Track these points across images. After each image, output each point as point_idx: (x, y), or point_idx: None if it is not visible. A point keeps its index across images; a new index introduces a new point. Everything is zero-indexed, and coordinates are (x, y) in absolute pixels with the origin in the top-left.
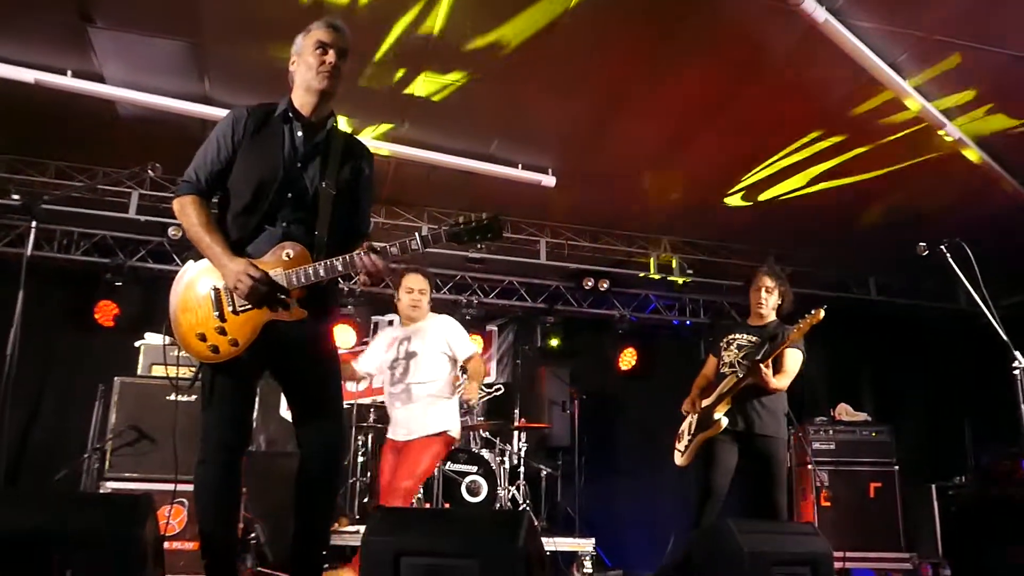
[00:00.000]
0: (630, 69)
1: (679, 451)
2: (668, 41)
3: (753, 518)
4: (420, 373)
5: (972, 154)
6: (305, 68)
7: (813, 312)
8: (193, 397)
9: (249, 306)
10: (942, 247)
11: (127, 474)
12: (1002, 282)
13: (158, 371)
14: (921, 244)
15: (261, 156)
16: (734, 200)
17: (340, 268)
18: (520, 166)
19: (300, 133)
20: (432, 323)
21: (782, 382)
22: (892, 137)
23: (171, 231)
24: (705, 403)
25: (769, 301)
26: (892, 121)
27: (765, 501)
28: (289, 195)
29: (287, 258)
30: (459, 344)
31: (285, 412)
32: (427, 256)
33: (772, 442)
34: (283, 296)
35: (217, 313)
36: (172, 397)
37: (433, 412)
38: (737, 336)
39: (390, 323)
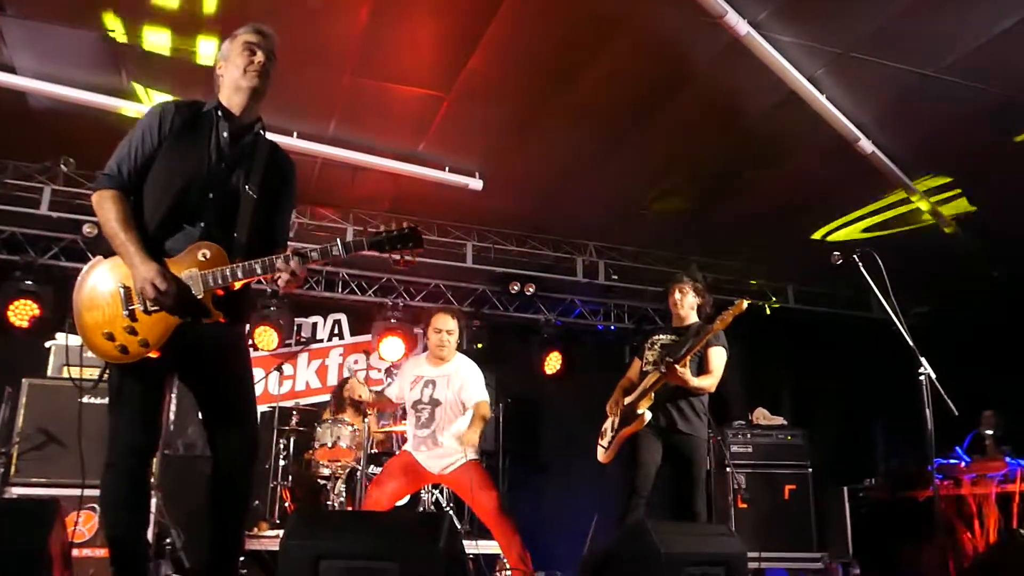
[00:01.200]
0: (555, 76)
1: (602, 447)
2: (594, 49)
3: (672, 517)
4: (445, 423)
5: (884, 168)
6: (233, 69)
7: (736, 303)
8: (104, 399)
9: (158, 308)
10: (854, 256)
11: (34, 479)
12: (912, 292)
13: (69, 372)
14: (835, 253)
15: (185, 153)
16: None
17: (259, 271)
18: (447, 169)
19: (226, 134)
20: (456, 368)
21: (707, 382)
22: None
23: (86, 228)
24: (627, 400)
25: (684, 302)
26: (810, 133)
27: (683, 501)
28: (211, 195)
29: (203, 259)
30: (470, 390)
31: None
32: (353, 257)
33: (692, 440)
34: (194, 303)
35: (127, 312)
36: (86, 400)
37: (461, 448)
38: (660, 337)
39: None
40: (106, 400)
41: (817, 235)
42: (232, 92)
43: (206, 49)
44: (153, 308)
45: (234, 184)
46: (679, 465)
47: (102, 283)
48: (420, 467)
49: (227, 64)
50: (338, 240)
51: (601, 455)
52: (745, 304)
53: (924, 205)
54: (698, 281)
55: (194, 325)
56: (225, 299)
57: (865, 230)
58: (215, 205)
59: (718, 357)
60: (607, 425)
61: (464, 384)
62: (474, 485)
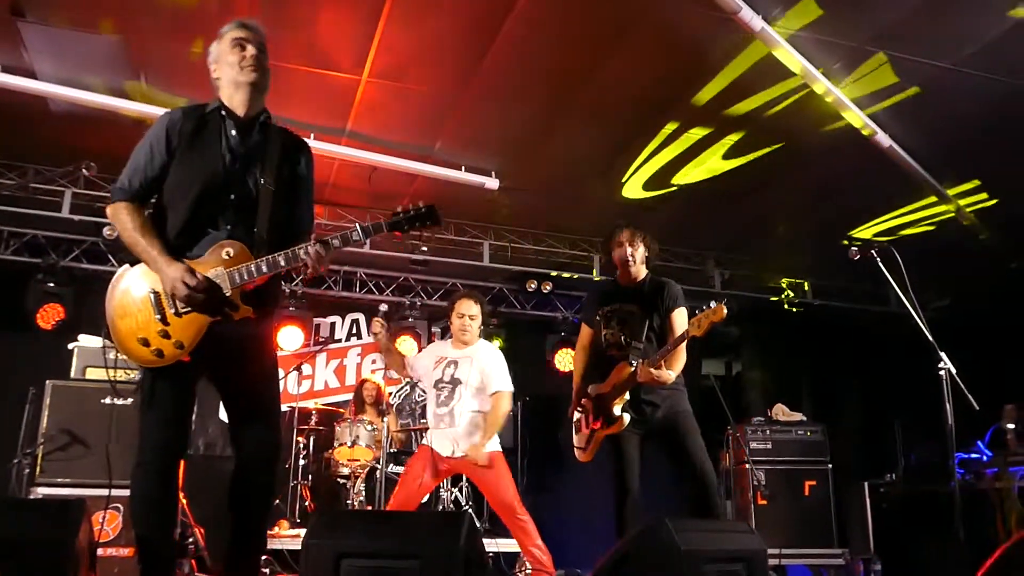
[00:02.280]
0: (573, 75)
1: (579, 448)
2: (609, 47)
3: (687, 494)
4: (463, 402)
5: (904, 161)
6: (228, 67)
7: (714, 307)
8: (129, 401)
9: (189, 308)
10: (872, 251)
11: (59, 479)
12: (931, 286)
13: (92, 374)
14: (853, 248)
15: (199, 161)
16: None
17: (283, 263)
18: (463, 168)
19: (234, 132)
20: (479, 352)
21: (677, 368)
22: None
23: (106, 231)
24: (595, 391)
25: (637, 255)
26: (827, 127)
27: (689, 470)
28: (232, 197)
29: (227, 257)
30: (493, 377)
31: (224, 415)
32: (372, 258)
33: (675, 417)
34: (223, 300)
35: (159, 316)
36: (107, 401)
37: (477, 435)
38: (614, 306)
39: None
40: (130, 401)
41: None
42: (232, 91)
43: None
44: (184, 310)
45: (251, 181)
46: (669, 440)
47: (132, 290)
48: (437, 456)
49: (220, 65)
50: (357, 225)
51: (580, 455)
52: (724, 311)
53: (947, 205)
54: (637, 229)
55: (225, 323)
56: (253, 295)
57: (890, 230)
58: (236, 206)
59: (682, 319)
60: (579, 419)
61: (487, 369)
62: (490, 476)
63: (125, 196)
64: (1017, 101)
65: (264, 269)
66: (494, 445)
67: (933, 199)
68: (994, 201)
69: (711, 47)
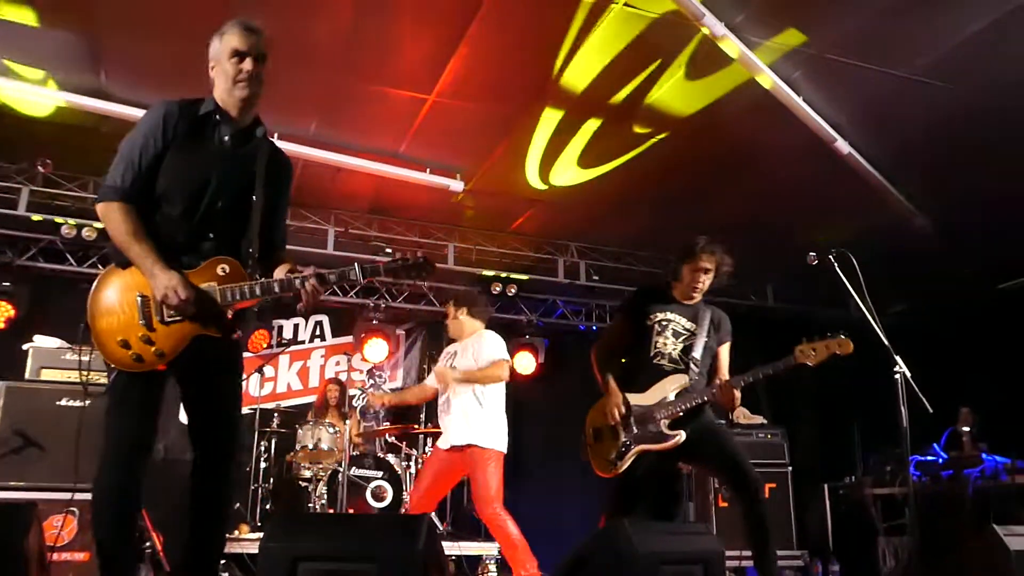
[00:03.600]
0: (536, 77)
1: (608, 461)
2: (571, 49)
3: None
4: (457, 390)
5: (861, 169)
6: (224, 77)
7: (840, 340)
8: (87, 403)
9: (179, 317)
10: (830, 256)
11: (12, 483)
12: (888, 291)
13: (47, 375)
14: (811, 253)
15: (193, 160)
16: None
17: (278, 291)
18: (428, 170)
19: (228, 138)
20: (472, 340)
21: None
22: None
23: (64, 229)
24: (641, 401)
25: (707, 283)
26: (787, 134)
27: (733, 471)
28: (220, 204)
29: (222, 273)
30: (484, 352)
31: (185, 418)
32: (336, 259)
33: (711, 425)
34: (216, 314)
35: (144, 322)
36: (63, 402)
37: (464, 423)
38: (671, 316)
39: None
40: (87, 403)
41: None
42: (226, 96)
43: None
44: (171, 319)
45: (242, 191)
46: (706, 442)
47: (118, 291)
48: (440, 452)
49: (218, 67)
50: (356, 265)
51: (607, 469)
52: (852, 347)
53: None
54: (723, 257)
55: (207, 336)
56: (236, 314)
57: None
58: (225, 213)
59: (727, 352)
60: (614, 431)
61: (478, 351)
62: (477, 472)
63: (117, 196)
64: (969, 111)
65: (258, 292)
66: (490, 442)
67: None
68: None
69: (673, 49)
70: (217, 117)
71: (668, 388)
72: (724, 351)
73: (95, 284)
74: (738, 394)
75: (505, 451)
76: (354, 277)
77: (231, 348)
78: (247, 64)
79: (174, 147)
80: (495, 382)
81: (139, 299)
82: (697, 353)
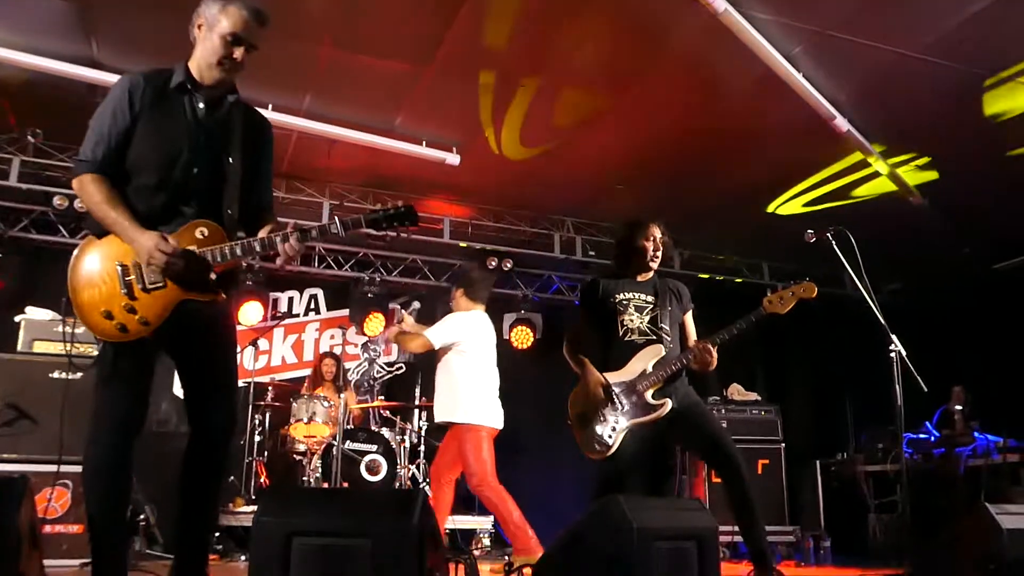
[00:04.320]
0: (532, 50)
1: (600, 443)
2: (571, 24)
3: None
4: (438, 364)
5: (861, 147)
6: (210, 50)
7: (804, 284)
8: (79, 375)
9: (161, 284)
10: (828, 234)
11: (5, 455)
12: (884, 270)
13: (40, 347)
14: (809, 231)
15: (163, 130)
16: None
17: (259, 249)
18: (424, 143)
19: (202, 104)
20: None
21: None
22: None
23: (56, 200)
24: (622, 378)
25: (659, 254)
26: (786, 111)
27: (715, 451)
28: (195, 171)
29: (201, 236)
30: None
31: (178, 390)
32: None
33: (693, 404)
34: (203, 271)
35: (125, 291)
36: (56, 375)
37: (443, 399)
38: (629, 295)
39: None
40: (80, 376)
41: (771, 207)
42: (204, 67)
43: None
44: (152, 285)
45: (217, 157)
46: (690, 420)
47: (98, 261)
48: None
49: (206, 33)
50: (336, 219)
51: (600, 450)
52: (816, 289)
53: (883, 168)
54: (667, 231)
55: (192, 302)
56: (221, 275)
57: (818, 199)
58: (201, 179)
59: (691, 320)
60: (600, 413)
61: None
62: (463, 447)
63: (90, 168)
64: (971, 90)
65: (239, 252)
66: (473, 418)
67: (860, 157)
68: (934, 175)
69: (673, 28)
70: (189, 87)
71: (645, 359)
72: (689, 320)
73: (73, 256)
74: (714, 353)
75: (494, 426)
76: (335, 231)
77: (220, 314)
78: (238, 53)
79: (143, 118)
80: (407, 350)
81: (119, 268)
82: (666, 324)
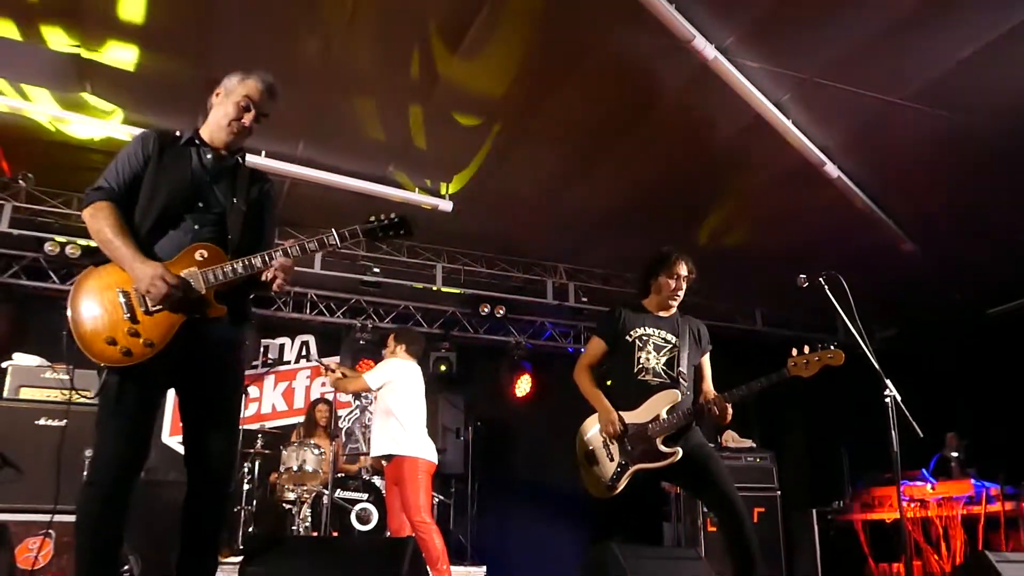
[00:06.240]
0: (526, 99)
1: (605, 483)
2: (564, 71)
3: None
4: (375, 400)
5: (850, 193)
6: (223, 114)
7: (832, 350)
8: (63, 422)
9: (163, 307)
10: (820, 279)
11: None
12: (877, 316)
13: (26, 394)
14: (801, 276)
15: (171, 171)
16: None
17: (259, 264)
18: (417, 190)
19: (209, 156)
20: None
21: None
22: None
23: (48, 246)
24: (633, 419)
25: (681, 292)
26: (777, 157)
27: (719, 499)
28: (200, 204)
29: (201, 258)
30: None
31: (167, 439)
32: (322, 279)
33: (701, 448)
34: (198, 299)
35: (128, 315)
36: (42, 422)
37: (379, 436)
38: (650, 331)
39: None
40: (64, 423)
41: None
42: (215, 129)
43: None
44: (155, 308)
45: (221, 195)
46: (699, 472)
47: (99, 291)
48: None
49: (223, 100)
50: (333, 230)
51: (603, 490)
52: (843, 357)
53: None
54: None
55: (198, 324)
56: (227, 300)
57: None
58: (204, 212)
59: (708, 361)
60: (598, 447)
61: None
62: (401, 483)
63: (103, 196)
64: (959, 137)
65: (239, 269)
66: (403, 450)
67: None
68: None
69: (665, 76)
70: (196, 142)
71: (660, 404)
72: (707, 361)
73: (73, 289)
74: (730, 408)
75: (432, 460)
76: (333, 242)
77: (228, 335)
78: (247, 118)
79: (153, 163)
80: (347, 392)
81: (120, 294)
82: (684, 367)
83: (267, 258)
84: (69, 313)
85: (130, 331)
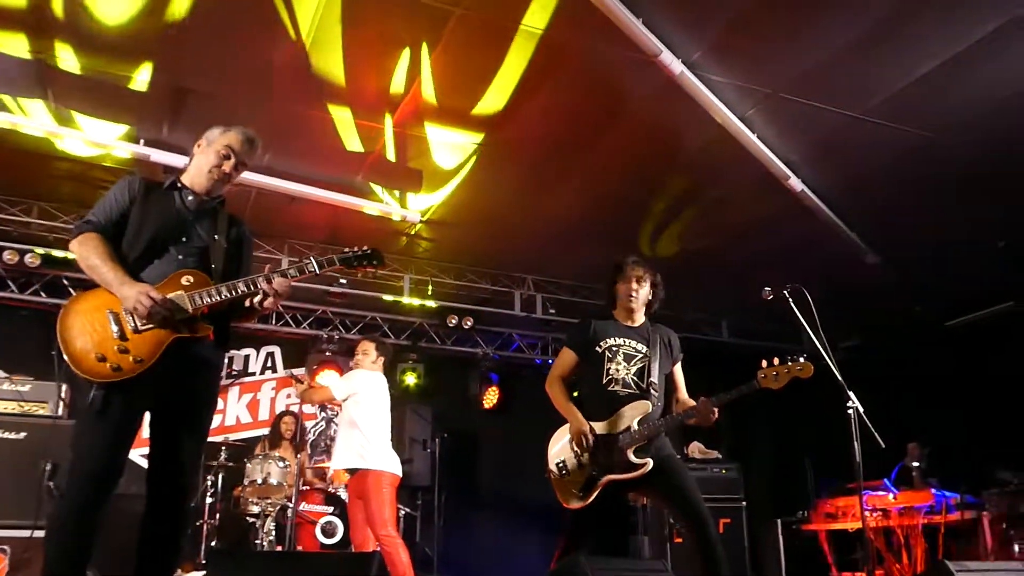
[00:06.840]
0: (495, 112)
1: (575, 495)
2: (531, 84)
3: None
4: (340, 411)
5: (814, 206)
6: (204, 161)
7: (802, 362)
8: (21, 434)
9: (150, 325)
10: (785, 292)
11: None
12: (840, 327)
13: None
14: (766, 289)
15: (154, 211)
16: None
17: (244, 289)
18: (384, 201)
19: (191, 198)
20: None
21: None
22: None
23: (6, 255)
24: (604, 430)
25: (640, 294)
26: (741, 170)
27: (686, 509)
28: (184, 239)
29: (187, 283)
30: None
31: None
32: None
33: (668, 459)
34: (184, 318)
35: (117, 334)
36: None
37: (342, 449)
38: (619, 341)
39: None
40: (22, 435)
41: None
42: (196, 175)
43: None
44: (144, 327)
45: (203, 232)
46: (665, 477)
47: (88, 311)
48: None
49: (205, 149)
50: (312, 258)
51: (573, 502)
52: (812, 369)
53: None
54: (653, 270)
55: (185, 343)
56: (212, 323)
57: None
58: (188, 245)
59: (680, 370)
60: (567, 458)
61: None
62: (366, 497)
63: (92, 228)
64: (920, 151)
65: (225, 292)
66: (369, 464)
67: None
68: None
69: (632, 90)
70: (179, 186)
71: (631, 415)
72: (678, 370)
73: (62, 312)
74: (716, 412)
75: (396, 473)
76: (312, 269)
77: (211, 356)
78: (227, 165)
79: (138, 204)
80: (312, 402)
81: (110, 315)
82: (655, 377)
83: (251, 284)
84: (58, 335)
85: (119, 348)
